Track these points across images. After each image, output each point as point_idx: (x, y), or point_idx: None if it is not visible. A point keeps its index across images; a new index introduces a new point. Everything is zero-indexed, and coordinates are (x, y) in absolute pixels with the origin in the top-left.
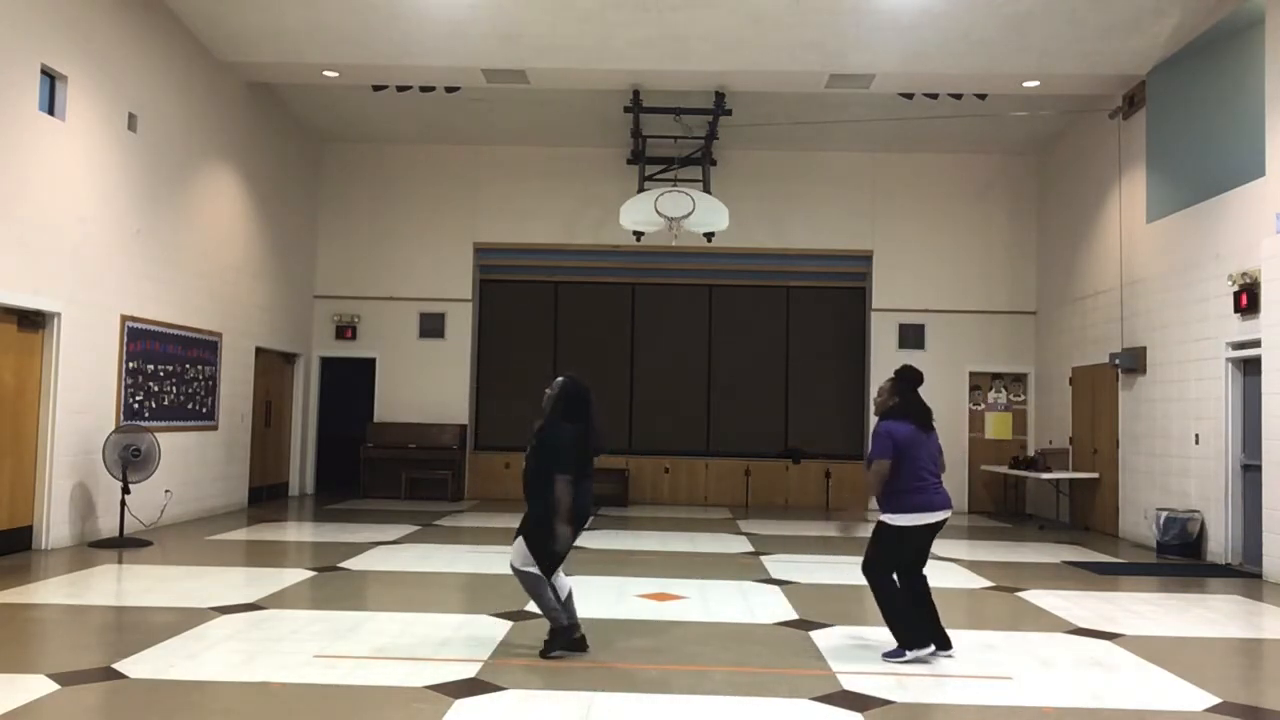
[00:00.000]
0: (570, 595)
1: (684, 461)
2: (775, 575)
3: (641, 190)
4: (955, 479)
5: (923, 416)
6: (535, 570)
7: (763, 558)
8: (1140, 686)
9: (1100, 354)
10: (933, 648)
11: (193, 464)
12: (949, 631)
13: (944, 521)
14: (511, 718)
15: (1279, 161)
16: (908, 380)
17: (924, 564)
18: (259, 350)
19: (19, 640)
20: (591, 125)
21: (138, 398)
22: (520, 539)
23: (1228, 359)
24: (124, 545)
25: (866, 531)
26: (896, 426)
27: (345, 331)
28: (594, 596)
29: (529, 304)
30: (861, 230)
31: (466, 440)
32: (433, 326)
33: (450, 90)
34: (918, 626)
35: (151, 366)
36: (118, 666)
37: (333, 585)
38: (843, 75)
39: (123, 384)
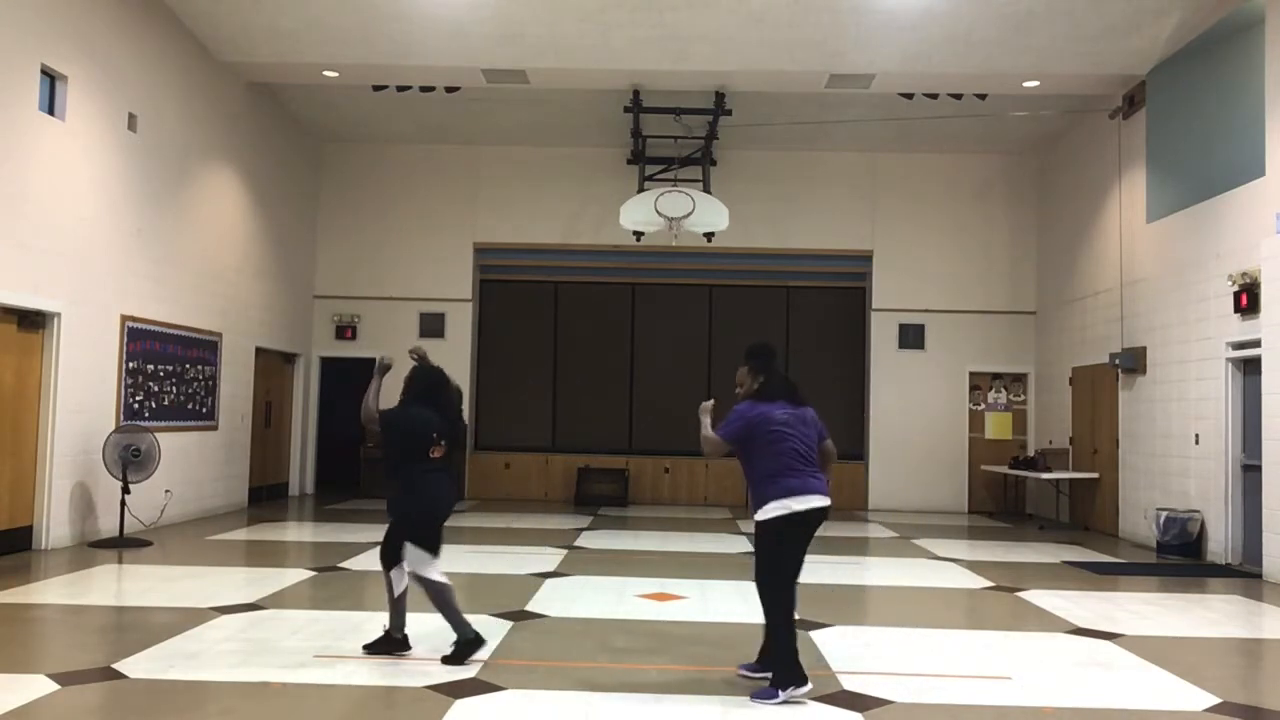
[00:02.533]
0: (405, 592)
1: (684, 461)
2: None
3: (641, 190)
4: (955, 479)
5: (791, 393)
6: (444, 580)
7: None
8: (1140, 686)
9: (1100, 354)
10: (809, 685)
11: (193, 464)
12: (949, 632)
13: (824, 513)
14: (511, 718)
15: (1279, 161)
16: (765, 355)
17: (798, 575)
18: (259, 350)
19: (19, 640)
20: (591, 125)
21: (138, 398)
22: (409, 544)
23: (1228, 359)
24: (124, 545)
25: None
26: (755, 406)
27: (345, 331)
28: (594, 596)
29: (529, 304)
30: (861, 230)
31: (466, 440)
32: (433, 326)
33: (450, 90)
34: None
35: (151, 366)
36: (118, 666)
37: (333, 585)
38: (843, 75)
39: (123, 384)
